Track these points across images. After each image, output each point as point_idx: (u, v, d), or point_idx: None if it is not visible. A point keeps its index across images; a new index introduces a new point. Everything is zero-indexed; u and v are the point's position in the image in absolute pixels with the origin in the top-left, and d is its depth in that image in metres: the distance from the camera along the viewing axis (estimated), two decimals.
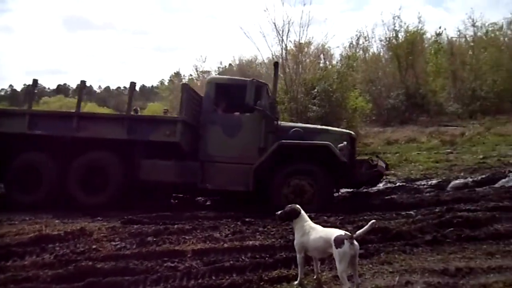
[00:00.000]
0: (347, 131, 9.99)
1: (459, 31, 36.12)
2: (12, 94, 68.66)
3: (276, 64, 9.76)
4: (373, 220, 4.46)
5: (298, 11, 43.36)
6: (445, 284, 4.36)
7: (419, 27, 33.47)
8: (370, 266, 4.97)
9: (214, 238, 6.08)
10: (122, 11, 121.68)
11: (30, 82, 10.46)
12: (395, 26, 33.11)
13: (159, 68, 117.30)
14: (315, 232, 4.42)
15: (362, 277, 4.55)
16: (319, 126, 10.83)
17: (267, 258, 5.24)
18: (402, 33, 33.15)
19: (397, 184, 10.58)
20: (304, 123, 12.89)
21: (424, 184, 10.59)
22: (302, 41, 28.32)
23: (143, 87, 71.09)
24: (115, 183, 8.78)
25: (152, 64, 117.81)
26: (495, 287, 4.28)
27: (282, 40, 27.09)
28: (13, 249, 5.64)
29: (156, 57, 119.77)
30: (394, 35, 33.36)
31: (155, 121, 9.46)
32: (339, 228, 4.91)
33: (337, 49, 54.48)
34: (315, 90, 24.43)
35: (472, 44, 34.82)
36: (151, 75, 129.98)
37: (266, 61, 33.29)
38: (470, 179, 10.46)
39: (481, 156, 13.83)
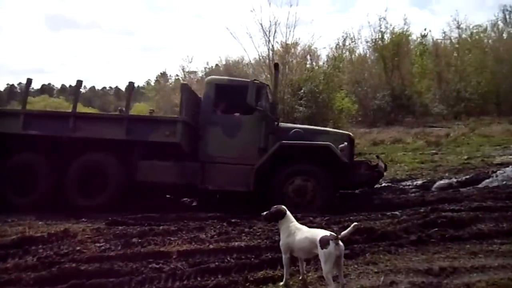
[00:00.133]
0: (347, 132, 10.03)
1: (444, 33, 36.68)
2: None
3: (276, 65, 9.71)
4: (355, 223, 4.50)
5: (285, 12, 43.66)
6: (429, 284, 4.39)
7: (405, 29, 33.89)
8: (356, 266, 4.97)
9: (200, 239, 6.04)
10: (107, 11, 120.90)
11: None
12: (381, 28, 33.47)
13: (145, 68, 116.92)
14: (301, 232, 4.42)
15: (348, 278, 4.56)
16: (318, 127, 10.89)
17: (252, 259, 5.22)
18: (388, 35, 33.52)
19: (383, 184, 10.63)
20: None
21: (409, 185, 10.69)
22: (289, 42, 28.48)
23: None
24: (114, 184, 8.64)
25: (138, 64, 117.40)
26: (478, 286, 4.32)
27: (269, 40, 27.25)
28: None
29: (142, 57, 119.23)
30: (380, 36, 33.70)
31: (154, 122, 9.25)
32: (325, 229, 4.92)
33: (324, 50, 54.91)
34: (302, 91, 24.56)
35: (457, 46, 35.32)
36: (137, 75, 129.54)
37: (252, 61, 33.36)
38: (455, 180, 10.57)
39: (465, 157, 14.00)
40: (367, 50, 37.13)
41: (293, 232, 4.44)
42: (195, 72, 43.23)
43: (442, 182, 10.55)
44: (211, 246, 5.71)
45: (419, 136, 20.85)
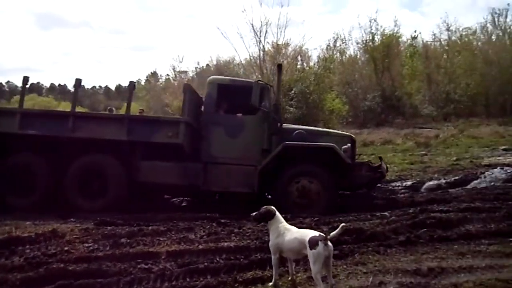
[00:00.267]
0: (348, 133, 10.03)
1: (434, 35, 37.06)
2: None
3: (279, 66, 9.62)
4: (343, 224, 4.51)
5: (276, 13, 43.55)
6: (417, 284, 4.41)
7: (395, 31, 34.16)
8: (345, 267, 4.99)
9: (189, 239, 6.02)
10: (98, 9, 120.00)
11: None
12: (371, 29, 33.68)
13: (136, 68, 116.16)
14: (290, 233, 4.42)
15: (337, 278, 4.57)
16: (321, 129, 10.87)
17: (242, 260, 5.21)
18: (379, 36, 33.75)
19: None
20: None
21: (399, 186, 10.76)
22: (280, 42, 28.52)
23: (119, 86, 70.39)
24: (115, 186, 8.52)
25: (128, 64, 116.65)
26: (465, 287, 4.35)
27: (260, 41, 27.26)
28: None
29: (132, 56, 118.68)
30: (370, 38, 33.90)
31: (157, 122, 9.08)
32: (314, 229, 4.93)
33: (315, 51, 55.21)
34: (292, 91, 24.61)
35: (446, 48, 35.64)
36: (127, 75, 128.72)
37: (243, 62, 33.38)
38: (444, 181, 10.66)
39: (454, 158, 14.14)
40: (358, 52, 37.44)
41: (282, 233, 4.43)
42: (185, 72, 43.22)
43: (431, 183, 10.64)
44: (200, 247, 5.69)
45: (409, 137, 21.01)
